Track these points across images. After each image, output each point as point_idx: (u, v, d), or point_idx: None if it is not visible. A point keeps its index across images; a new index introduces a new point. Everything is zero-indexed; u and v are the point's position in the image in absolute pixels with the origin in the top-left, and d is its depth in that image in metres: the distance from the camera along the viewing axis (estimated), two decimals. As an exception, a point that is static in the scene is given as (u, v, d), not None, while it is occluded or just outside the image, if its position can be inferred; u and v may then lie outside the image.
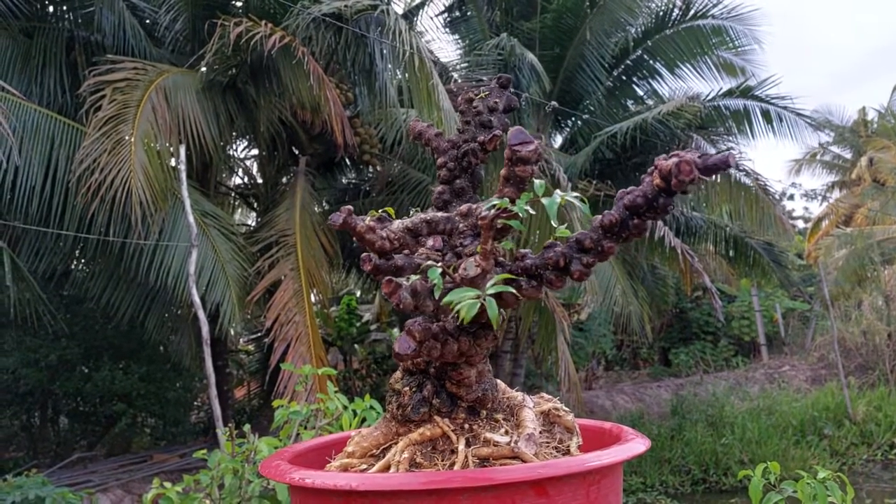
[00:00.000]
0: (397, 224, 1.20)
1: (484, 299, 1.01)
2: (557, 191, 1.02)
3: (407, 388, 1.21)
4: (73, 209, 7.23)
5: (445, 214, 1.22)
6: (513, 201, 1.04)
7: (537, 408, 1.25)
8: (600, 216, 1.08)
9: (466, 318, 1.00)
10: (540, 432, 1.20)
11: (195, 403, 12.08)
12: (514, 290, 1.03)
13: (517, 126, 1.09)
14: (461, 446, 1.13)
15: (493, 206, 1.04)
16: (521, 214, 1.04)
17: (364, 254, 1.15)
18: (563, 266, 1.08)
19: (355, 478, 1.02)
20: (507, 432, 1.16)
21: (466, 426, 1.18)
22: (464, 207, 1.05)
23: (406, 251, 1.22)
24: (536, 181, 1.04)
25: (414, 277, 1.08)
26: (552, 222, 1.03)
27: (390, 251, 1.14)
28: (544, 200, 1.01)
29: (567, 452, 1.21)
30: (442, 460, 1.14)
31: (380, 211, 1.21)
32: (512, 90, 1.37)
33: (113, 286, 8.40)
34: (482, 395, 1.19)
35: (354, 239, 1.15)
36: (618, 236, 1.06)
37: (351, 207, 1.13)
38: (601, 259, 1.07)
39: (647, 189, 1.03)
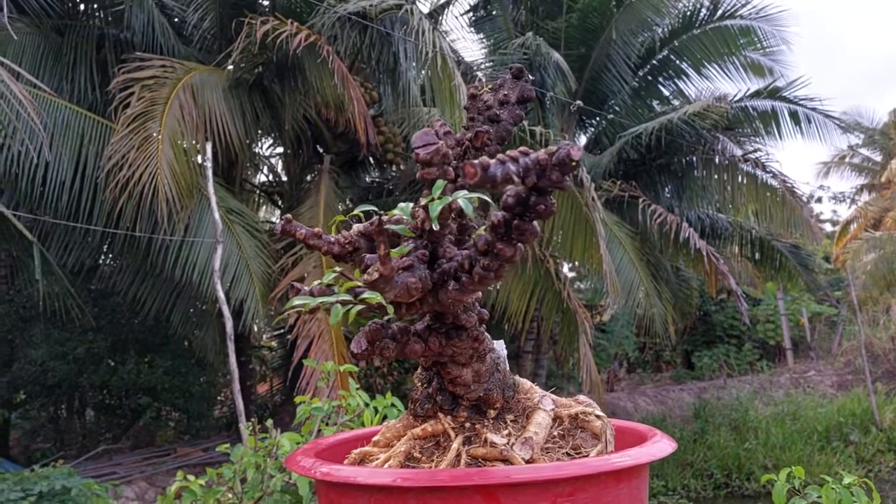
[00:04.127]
0: (355, 228, 1.20)
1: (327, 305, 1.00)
2: (465, 191, 0.97)
3: (419, 384, 1.23)
4: (102, 204, 7.34)
5: (397, 216, 1.21)
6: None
7: (566, 410, 1.22)
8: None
9: (332, 322, 1.00)
10: (558, 436, 1.19)
11: (219, 398, 12.20)
12: (377, 295, 1.00)
13: (425, 128, 1.07)
14: (455, 444, 1.13)
15: (365, 211, 1.04)
16: (405, 218, 1.02)
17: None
18: (468, 269, 1.04)
19: (318, 466, 1.07)
20: (509, 434, 1.15)
21: (468, 425, 1.17)
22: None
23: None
24: (438, 181, 1.01)
25: (315, 282, 1.08)
26: (433, 225, 0.99)
27: (342, 255, 1.14)
28: (433, 203, 0.97)
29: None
30: (439, 456, 1.14)
31: (347, 216, 1.21)
32: (528, 80, 1.33)
33: (139, 281, 8.52)
34: (485, 394, 1.18)
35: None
36: (507, 238, 1.00)
37: (290, 216, 1.12)
38: (505, 261, 1.01)
39: (518, 189, 0.98)
